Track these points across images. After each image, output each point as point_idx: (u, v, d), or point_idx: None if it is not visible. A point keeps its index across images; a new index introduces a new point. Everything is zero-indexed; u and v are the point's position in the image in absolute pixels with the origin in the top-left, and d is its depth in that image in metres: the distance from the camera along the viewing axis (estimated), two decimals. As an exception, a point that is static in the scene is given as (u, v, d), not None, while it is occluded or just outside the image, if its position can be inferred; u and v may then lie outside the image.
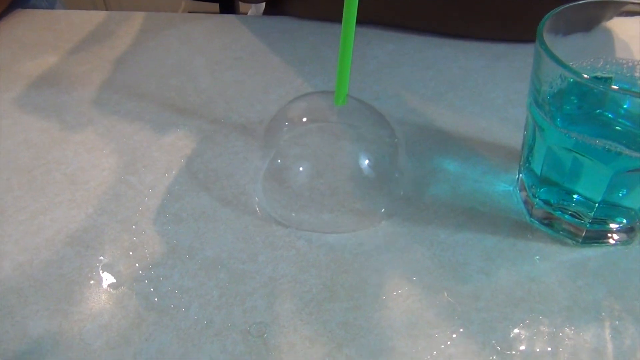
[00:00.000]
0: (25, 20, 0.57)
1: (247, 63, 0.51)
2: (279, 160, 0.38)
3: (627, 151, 0.30)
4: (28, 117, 0.45)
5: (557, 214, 0.35)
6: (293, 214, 0.36)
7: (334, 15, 0.56)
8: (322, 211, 0.36)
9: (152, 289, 0.33)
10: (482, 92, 0.48)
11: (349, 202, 0.37)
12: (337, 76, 0.34)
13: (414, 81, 0.49)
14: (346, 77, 0.35)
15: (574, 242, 0.35)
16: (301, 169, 0.37)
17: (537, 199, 0.36)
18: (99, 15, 0.58)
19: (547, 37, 0.32)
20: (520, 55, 0.52)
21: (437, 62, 0.51)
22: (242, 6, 1.60)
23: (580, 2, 0.34)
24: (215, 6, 0.94)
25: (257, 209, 0.37)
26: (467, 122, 0.44)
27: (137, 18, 0.57)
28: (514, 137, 0.43)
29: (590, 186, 0.33)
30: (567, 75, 0.30)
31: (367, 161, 0.37)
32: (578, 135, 0.31)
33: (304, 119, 0.39)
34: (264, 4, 0.68)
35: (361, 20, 0.56)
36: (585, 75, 0.29)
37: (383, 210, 0.37)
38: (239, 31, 0.56)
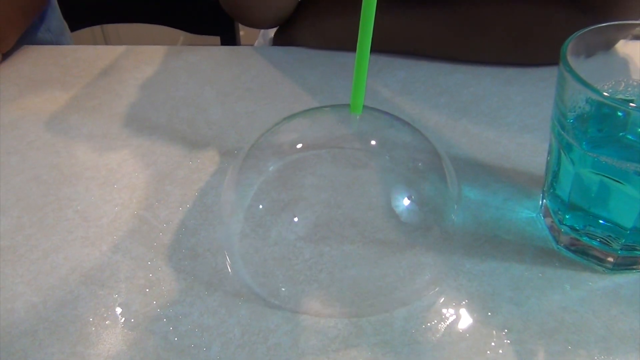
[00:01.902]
0: (31, 56, 0.56)
1: (257, 94, 0.51)
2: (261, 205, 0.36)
3: (659, 174, 0.29)
4: (37, 153, 0.44)
5: (584, 240, 0.34)
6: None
7: (344, 43, 0.56)
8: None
9: (170, 328, 0.32)
10: (496, 117, 0.47)
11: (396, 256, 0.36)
12: (354, 78, 0.32)
13: (427, 108, 0.48)
14: (363, 79, 0.32)
15: (603, 268, 0.34)
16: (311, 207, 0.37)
17: (564, 225, 0.35)
18: (106, 50, 0.57)
19: (570, 60, 0.32)
20: (531, 80, 0.52)
21: (449, 89, 0.51)
22: (244, 38, 1.61)
23: (600, 25, 0.34)
24: (216, 39, 0.94)
25: (275, 242, 0.36)
26: (484, 149, 0.44)
27: (144, 51, 0.57)
28: (533, 163, 0.42)
29: (620, 212, 0.32)
30: (595, 97, 0.30)
31: (398, 193, 0.36)
32: (608, 159, 0.30)
33: (304, 144, 0.38)
34: (272, 35, 0.68)
35: (371, 49, 0.56)
36: (618, 97, 0.28)
37: (434, 275, 0.35)
38: (248, 62, 0.55)
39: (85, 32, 1.01)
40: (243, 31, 1.71)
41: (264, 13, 0.57)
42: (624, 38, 0.35)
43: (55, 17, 0.68)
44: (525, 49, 0.52)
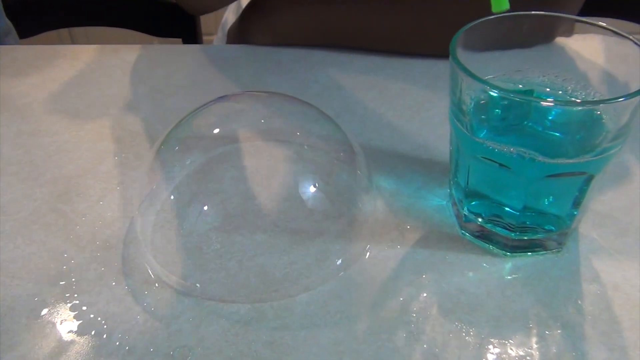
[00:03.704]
0: (-31, 57, 0.57)
1: (189, 91, 0.51)
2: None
3: (540, 157, 0.30)
4: (-36, 150, 0.45)
5: (489, 226, 0.35)
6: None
7: (293, 38, 0.56)
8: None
9: (74, 318, 0.32)
10: (420, 110, 0.48)
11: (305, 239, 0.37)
12: None
13: (354, 103, 0.49)
14: None
15: (504, 252, 0.35)
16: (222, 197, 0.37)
17: (467, 212, 0.36)
18: (44, 50, 0.58)
19: (463, 51, 0.33)
20: (460, 75, 0.53)
21: (378, 84, 0.52)
22: (208, 41, 1.61)
23: (495, 16, 0.35)
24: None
25: (189, 232, 0.37)
26: (404, 140, 0.45)
27: (84, 51, 0.57)
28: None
29: (512, 195, 0.33)
30: (478, 86, 0.31)
31: (312, 184, 0.37)
32: (493, 144, 0.31)
33: (225, 137, 0.39)
34: (225, 36, 0.69)
35: (306, 44, 0.57)
36: (512, 87, 0.29)
37: (340, 261, 0.36)
38: (182, 60, 0.56)
39: (52, 37, 1.00)
40: (213, 36, 1.71)
41: None
42: (520, 30, 0.36)
43: (1, 18, 0.69)
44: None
